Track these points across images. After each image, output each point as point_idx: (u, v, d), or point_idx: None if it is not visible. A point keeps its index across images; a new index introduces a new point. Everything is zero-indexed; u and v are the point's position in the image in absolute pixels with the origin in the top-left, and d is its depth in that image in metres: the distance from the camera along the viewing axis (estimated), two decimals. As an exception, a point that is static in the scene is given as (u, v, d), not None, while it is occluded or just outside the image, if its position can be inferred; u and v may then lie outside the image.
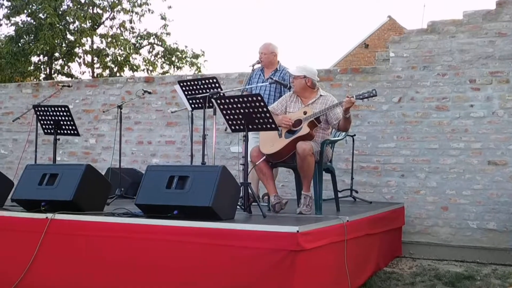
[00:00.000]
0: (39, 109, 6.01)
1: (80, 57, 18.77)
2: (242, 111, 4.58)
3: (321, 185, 5.00)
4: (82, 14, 17.00)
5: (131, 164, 7.90)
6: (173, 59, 19.99)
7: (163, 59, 20.19)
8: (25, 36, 17.31)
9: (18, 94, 8.92)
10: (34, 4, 16.84)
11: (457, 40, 6.48)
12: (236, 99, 4.59)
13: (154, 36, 19.81)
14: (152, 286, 4.06)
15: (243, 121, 4.63)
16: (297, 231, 3.70)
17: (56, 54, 18.24)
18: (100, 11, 18.55)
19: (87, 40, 18.53)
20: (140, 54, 19.94)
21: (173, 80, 7.79)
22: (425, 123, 6.56)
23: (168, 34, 19.95)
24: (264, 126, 4.64)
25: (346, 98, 4.82)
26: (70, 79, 17.72)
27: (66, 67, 18.95)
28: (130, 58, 18.97)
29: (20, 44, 17.18)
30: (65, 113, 5.89)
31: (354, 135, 6.63)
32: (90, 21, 17.81)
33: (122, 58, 18.63)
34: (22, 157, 7.87)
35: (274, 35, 55.85)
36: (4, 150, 8.88)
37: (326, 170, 5.21)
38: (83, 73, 19.29)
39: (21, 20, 17.48)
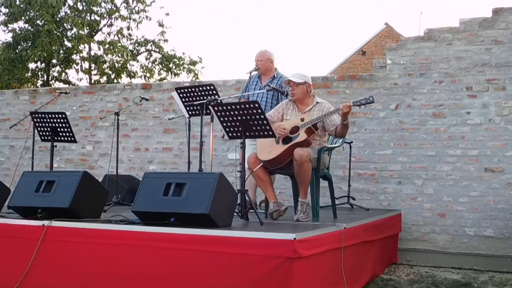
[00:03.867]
0: (36, 115, 6.01)
1: (77, 64, 18.78)
2: (239, 118, 4.59)
3: (318, 192, 5.01)
4: (79, 21, 17.01)
5: (128, 171, 7.89)
6: (171, 65, 20.01)
7: (160, 66, 20.21)
8: (22, 43, 17.32)
9: (15, 101, 8.92)
10: (31, 11, 16.85)
11: (454, 47, 6.50)
12: (233, 106, 4.60)
13: (151, 43, 19.84)
14: (149, 293, 4.05)
15: (240, 128, 4.63)
16: (294, 238, 3.70)
17: (54, 61, 18.24)
18: (97, 18, 18.57)
19: (84, 47, 18.55)
20: (138, 61, 19.96)
21: (171, 87, 7.79)
22: (422, 130, 6.58)
23: (165, 41, 19.99)
24: (261, 133, 4.65)
25: (343, 103, 4.82)
26: (67, 85, 17.74)
27: (63, 74, 18.96)
28: (128, 64, 18.99)
29: (17, 51, 17.18)
30: (62, 120, 5.89)
31: (351, 142, 6.64)
32: (87, 28, 17.85)
33: (119, 65, 18.64)
34: (19, 164, 7.86)
35: (271, 42, 56.00)
36: (1, 157, 8.86)
37: (323, 177, 5.21)
38: (80, 80, 19.33)
39: (18, 26, 17.50)
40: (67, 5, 17.52)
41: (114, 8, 18.59)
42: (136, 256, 4.12)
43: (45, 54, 16.61)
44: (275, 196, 5.08)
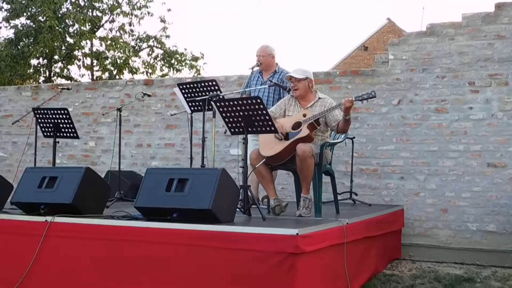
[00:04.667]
0: (39, 112, 6.01)
1: (79, 60, 18.80)
2: (241, 113, 4.59)
3: (320, 188, 5.00)
4: (81, 17, 17.02)
5: (131, 167, 7.89)
6: (173, 61, 20.00)
7: (162, 62, 20.21)
8: (24, 39, 17.33)
9: (17, 97, 8.93)
10: (33, 7, 16.85)
11: (456, 42, 6.49)
12: (235, 102, 4.59)
13: (153, 39, 19.83)
14: (151, 289, 4.06)
15: (242, 124, 4.63)
16: (297, 234, 3.70)
17: (56, 57, 18.26)
18: (99, 14, 18.58)
19: (86, 43, 18.56)
20: (140, 57, 19.96)
21: (173, 83, 7.79)
22: (424, 126, 6.57)
23: (167, 36, 19.99)
24: (263, 128, 4.64)
25: (345, 98, 4.83)
26: (69, 82, 17.74)
27: (65, 70, 18.97)
28: (130, 60, 18.98)
29: (19, 47, 17.20)
30: (64, 116, 5.89)
31: (354, 137, 6.63)
32: (89, 24, 17.84)
33: (121, 61, 18.65)
34: (22, 160, 7.87)
35: (273, 37, 55.97)
36: (4, 153, 8.87)
37: (325, 172, 5.21)
38: (82, 76, 19.33)
39: (20, 23, 17.52)
40: (68, 1, 17.52)
41: (116, 4, 18.59)
42: (139, 252, 4.13)
43: (47, 50, 16.61)
44: (276, 193, 5.08)
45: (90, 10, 18.10)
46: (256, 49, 6.14)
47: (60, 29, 16.91)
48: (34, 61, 17.99)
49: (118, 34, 19.18)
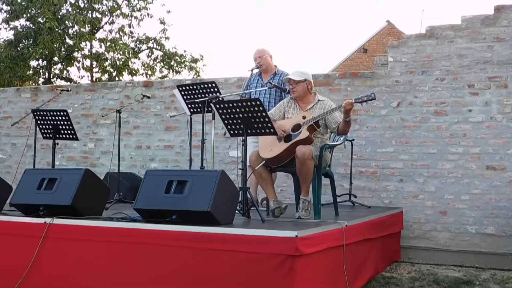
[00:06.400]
0: (38, 113, 6.01)
1: (79, 62, 18.77)
2: (241, 115, 4.59)
3: (320, 190, 5.00)
4: (81, 19, 17.00)
5: (130, 168, 7.90)
6: (172, 63, 19.99)
7: (162, 64, 20.19)
8: (24, 41, 17.30)
9: (17, 99, 8.93)
10: (33, 9, 16.83)
11: (456, 45, 6.50)
12: (235, 104, 4.59)
13: (153, 41, 19.81)
14: (150, 291, 4.06)
15: (242, 126, 4.64)
16: (296, 236, 3.70)
17: (55, 59, 18.22)
18: (99, 16, 18.55)
19: (86, 45, 18.53)
20: (139, 59, 19.93)
21: (172, 85, 7.80)
22: (423, 128, 6.57)
23: (167, 38, 19.97)
24: (263, 130, 4.65)
25: (345, 100, 4.83)
26: (69, 83, 17.72)
27: (65, 72, 18.94)
28: (129, 62, 18.97)
29: (19, 49, 17.17)
30: (64, 118, 5.89)
31: (353, 139, 6.63)
32: (89, 25, 17.81)
33: (121, 63, 18.64)
34: (21, 162, 7.88)
35: (273, 39, 55.98)
36: (3, 155, 8.87)
37: (325, 174, 5.21)
38: (82, 78, 19.29)
39: (20, 24, 17.49)
40: (68, 3, 17.50)
41: (116, 6, 18.58)
42: (138, 254, 4.13)
43: (47, 52, 16.58)
44: (275, 194, 5.09)
45: (89, 12, 18.08)
46: (253, 54, 6.14)
47: (59, 31, 16.89)
48: (33, 63, 17.96)
49: (117, 35, 19.16)
